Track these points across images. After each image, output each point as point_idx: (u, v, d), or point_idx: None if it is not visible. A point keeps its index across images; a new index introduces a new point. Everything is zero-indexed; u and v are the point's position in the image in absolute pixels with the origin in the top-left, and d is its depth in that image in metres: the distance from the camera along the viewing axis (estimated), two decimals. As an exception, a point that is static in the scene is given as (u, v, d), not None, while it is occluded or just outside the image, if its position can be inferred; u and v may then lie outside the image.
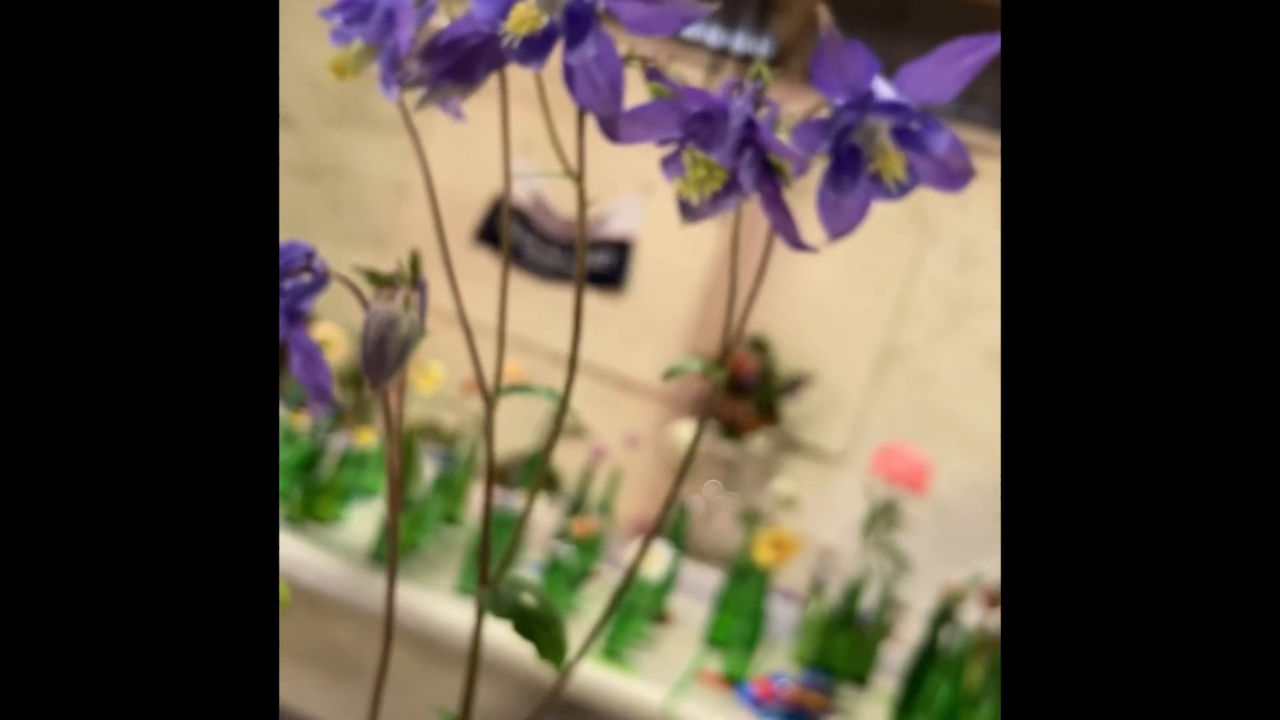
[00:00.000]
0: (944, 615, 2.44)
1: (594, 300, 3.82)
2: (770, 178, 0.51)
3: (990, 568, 2.60)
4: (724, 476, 3.52)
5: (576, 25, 0.50)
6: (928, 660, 2.39)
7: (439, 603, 2.13)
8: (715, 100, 0.50)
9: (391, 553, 0.58)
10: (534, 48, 0.50)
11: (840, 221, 0.52)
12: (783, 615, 2.55)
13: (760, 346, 3.74)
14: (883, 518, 2.44)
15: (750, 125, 0.50)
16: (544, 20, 0.50)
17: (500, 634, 2.32)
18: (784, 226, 0.51)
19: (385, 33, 0.54)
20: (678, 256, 3.70)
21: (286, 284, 0.52)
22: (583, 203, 0.56)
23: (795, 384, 3.76)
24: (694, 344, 3.72)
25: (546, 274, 3.83)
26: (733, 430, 3.60)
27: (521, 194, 3.77)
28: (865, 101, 0.49)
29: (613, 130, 0.51)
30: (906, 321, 3.81)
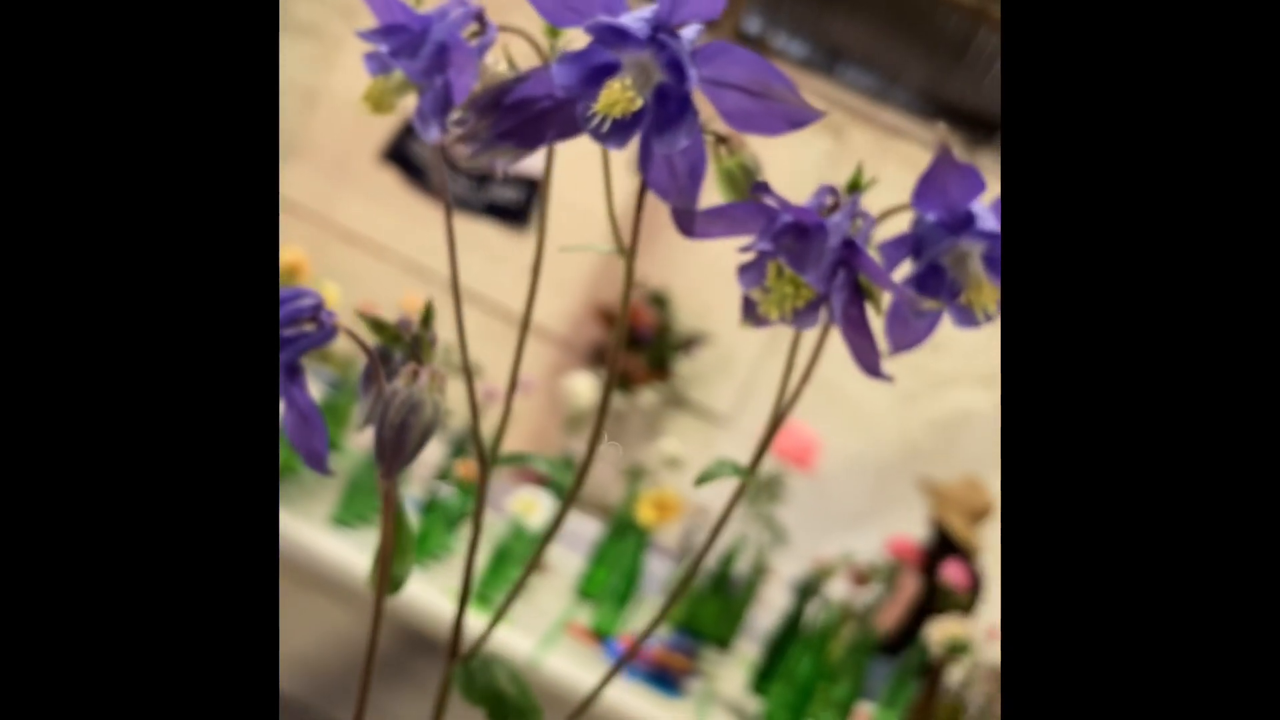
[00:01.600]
0: (811, 588, 2.46)
1: (496, 236, 3.71)
2: (857, 299, 0.47)
3: (862, 545, 2.63)
4: (610, 427, 3.50)
5: (667, 109, 0.44)
6: (791, 631, 2.41)
7: (312, 531, 2.08)
8: (811, 215, 0.45)
9: (377, 607, 0.54)
10: (621, 129, 0.45)
11: (907, 337, 0.48)
12: (657, 572, 2.54)
13: (659, 301, 3.71)
14: (765, 491, 2.44)
15: (848, 245, 0.45)
16: (638, 103, 0.44)
17: (352, 557, 2.23)
18: (864, 353, 0.47)
19: (434, 70, 0.48)
20: (588, 199, 3.61)
21: (288, 334, 0.46)
22: (630, 281, 0.51)
23: (690, 342, 3.74)
24: (595, 292, 3.66)
25: (453, 201, 3.69)
26: (623, 381, 3.58)
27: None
28: (963, 224, 0.45)
29: (688, 225, 0.46)
30: (803, 289, 3.81)
